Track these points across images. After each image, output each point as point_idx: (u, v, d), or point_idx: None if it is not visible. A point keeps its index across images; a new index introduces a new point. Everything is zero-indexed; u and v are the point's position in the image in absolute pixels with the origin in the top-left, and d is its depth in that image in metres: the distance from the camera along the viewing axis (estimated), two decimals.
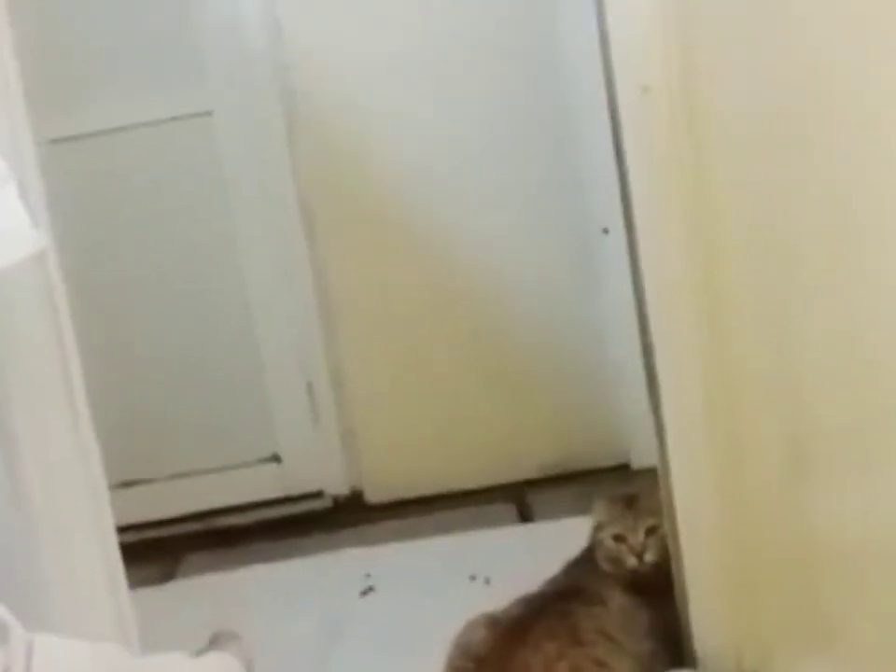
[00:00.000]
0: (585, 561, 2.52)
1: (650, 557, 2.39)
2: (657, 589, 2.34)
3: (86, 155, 3.39)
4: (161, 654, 1.42)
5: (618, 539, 2.43)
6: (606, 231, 3.32)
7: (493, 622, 2.43)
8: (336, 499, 3.59)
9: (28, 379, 1.79)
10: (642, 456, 3.17)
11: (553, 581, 2.52)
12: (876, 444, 1.80)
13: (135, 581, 3.12)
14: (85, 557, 1.84)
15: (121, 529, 3.34)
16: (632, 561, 2.41)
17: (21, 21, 3.33)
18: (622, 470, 3.41)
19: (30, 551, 1.70)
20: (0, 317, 1.72)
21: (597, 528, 2.49)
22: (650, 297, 2.15)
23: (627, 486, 2.68)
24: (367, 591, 3.03)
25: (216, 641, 1.66)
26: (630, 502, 2.47)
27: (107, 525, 1.91)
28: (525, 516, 3.36)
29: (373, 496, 3.57)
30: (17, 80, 1.89)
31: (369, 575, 3.07)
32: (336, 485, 3.59)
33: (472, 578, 2.97)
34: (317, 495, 3.58)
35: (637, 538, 2.41)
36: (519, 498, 3.43)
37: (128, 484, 3.52)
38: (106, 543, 1.90)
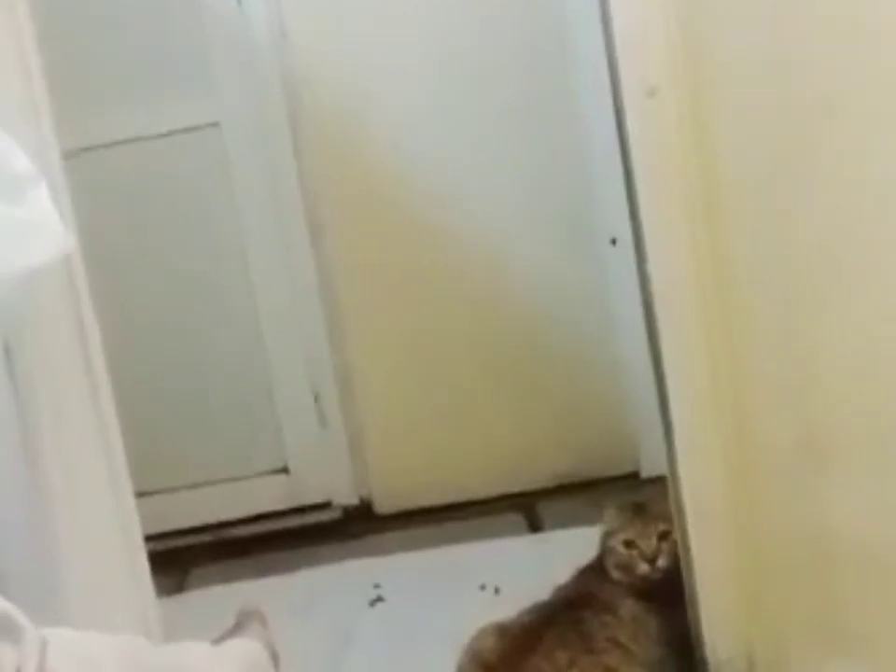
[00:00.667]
0: (595, 569, 2.51)
1: (662, 563, 2.39)
2: (667, 596, 2.33)
3: (95, 166, 3.39)
4: (182, 643, 1.42)
5: (629, 545, 2.43)
6: (614, 241, 3.32)
7: (503, 630, 2.43)
8: (345, 510, 3.58)
9: (54, 383, 1.79)
10: (651, 465, 3.17)
11: (563, 590, 2.52)
12: (893, 438, 1.80)
13: None
14: (109, 557, 1.84)
15: None
16: (644, 567, 2.40)
17: None
18: (631, 479, 3.41)
19: (52, 551, 1.70)
20: (27, 319, 1.73)
21: (607, 535, 2.48)
22: (658, 305, 2.15)
23: (637, 495, 2.68)
24: (376, 601, 3.03)
25: (241, 621, 1.65)
26: (640, 509, 2.47)
27: (133, 525, 1.91)
28: (535, 526, 3.36)
29: (382, 506, 3.57)
30: (44, 88, 1.90)
31: (378, 585, 3.07)
32: (345, 496, 3.59)
33: (482, 587, 2.96)
34: (326, 505, 3.58)
35: (650, 543, 2.40)
36: (528, 508, 3.43)
37: (137, 496, 3.51)
38: (131, 543, 1.90)
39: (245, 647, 1.55)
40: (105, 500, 1.84)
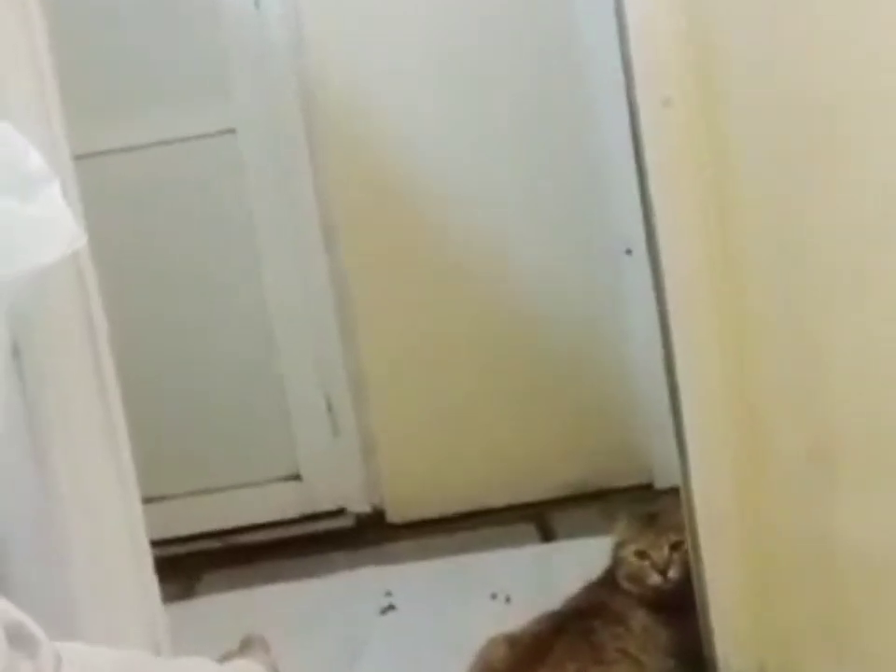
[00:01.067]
0: (606, 580, 2.51)
1: (673, 574, 2.38)
2: (678, 607, 2.32)
3: (110, 172, 3.40)
4: (187, 659, 1.42)
5: (641, 555, 2.42)
6: (629, 251, 3.31)
7: (513, 640, 2.43)
8: (358, 518, 3.58)
9: (63, 384, 1.79)
10: (665, 476, 3.15)
11: (574, 600, 2.51)
12: None
13: None
14: (117, 560, 1.83)
15: None
16: (655, 578, 2.39)
17: None
18: (644, 490, 3.40)
19: (60, 552, 1.69)
20: (37, 320, 1.73)
21: (619, 546, 2.47)
22: (672, 314, 2.14)
23: (650, 506, 2.67)
24: (387, 609, 3.02)
25: (244, 647, 1.65)
26: (652, 519, 2.46)
27: (140, 529, 1.90)
28: (547, 535, 3.35)
29: (395, 514, 3.56)
30: (55, 86, 1.90)
31: (389, 593, 3.07)
32: (357, 504, 3.59)
33: (493, 596, 2.96)
34: (339, 513, 3.58)
35: (662, 553, 2.39)
36: (540, 518, 3.42)
37: (147, 501, 3.50)
38: (138, 547, 1.89)
39: (250, 669, 1.56)
40: (113, 502, 1.83)
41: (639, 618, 2.39)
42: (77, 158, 3.41)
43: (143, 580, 1.90)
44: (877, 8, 1.75)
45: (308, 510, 3.57)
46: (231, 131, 3.46)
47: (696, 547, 2.20)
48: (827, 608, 2.06)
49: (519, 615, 2.54)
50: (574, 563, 2.72)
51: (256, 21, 3.42)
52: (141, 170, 3.47)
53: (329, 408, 3.57)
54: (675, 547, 2.38)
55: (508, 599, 2.94)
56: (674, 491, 2.33)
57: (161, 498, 3.53)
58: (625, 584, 2.44)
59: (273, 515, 3.56)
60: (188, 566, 3.40)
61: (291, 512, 3.56)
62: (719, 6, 1.99)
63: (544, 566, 3.06)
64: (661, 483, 3.34)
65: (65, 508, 1.72)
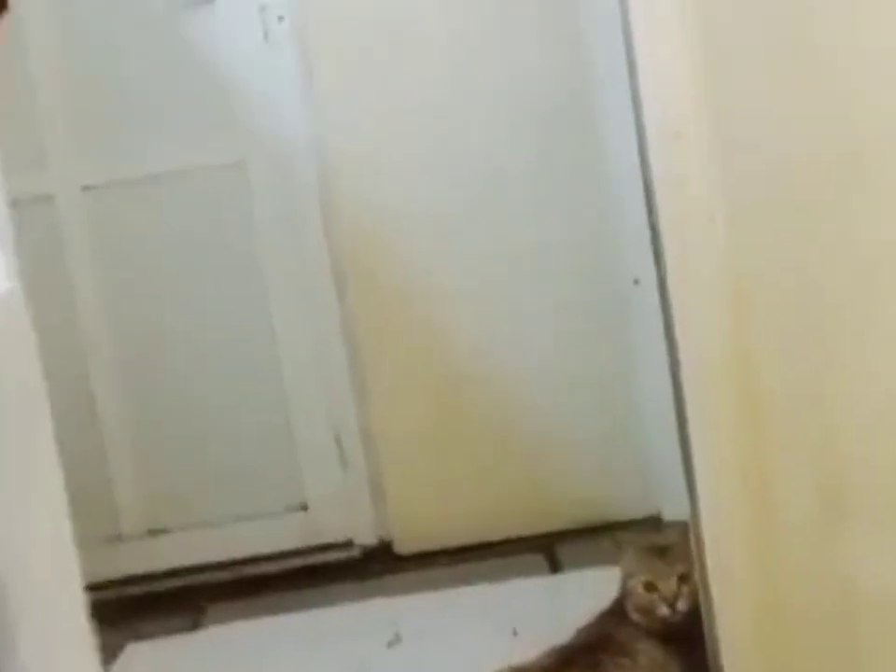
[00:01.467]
0: (615, 612, 2.49)
1: (682, 606, 2.36)
2: (687, 639, 2.31)
3: (117, 202, 3.42)
4: None
5: (649, 587, 2.40)
6: (637, 281, 3.31)
7: None
8: (364, 549, 3.57)
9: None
10: (673, 508, 3.14)
11: (582, 632, 2.50)
12: None
13: (162, 630, 3.14)
14: (51, 609, 1.77)
15: (148, 577, 3.38)
16: (664, 610, 2.38)
17: (55, 69, 3.38)
18: (653, 522, 3.38)
19: None
20: None
21: (627, 577, 2.46)
22: (681, 348, 2.13)
23: (658, 537, 2.66)
24: (394, 641, 3.01)
25: None
26: (661, 551, 2.45)
27: (75, 577, 1.84)
28: (555, 567, 3.34)
29: (401, 546, 3.55)
30: None
31: (396, 625, 3.06)
32: (364, 536, 3.57)
33: (501, 628, 2.94)
34: (345, 544, 3.57)
35: (670, 585, 2.38)
36: (548, 550, 3.40)
37: (155, 532, 3.51)
38: (73, 595, 1.83)
39: None
40: (45, 543, 1.77)
41: (646, 650, 2.38)
42: (85, 189, 3.45)
43: (79, 636, 1.83)
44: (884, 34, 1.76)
45: (314, 541, 3.56)
46: (240, 163, 3.47)
47: (706, 585, 2.18)
48: (838, 649, 2.04)
49: (526, 647, 2.52)
50: (583, 594, 2.71)
51: (265, 54, 3.42)
52: (147, 201, 3.47)
53: (338, 440, 3.56)
54: (683, 579, 2.37)
55: (515, 632, 2.92)
56: (681, 524, 2.32)
57: (170, 530, 3.53)
58: (634, 616, 2.43)
59: (279, 546, 3.55)
60: (194, 597, 3.39)
61: (298, 543, 3.55)
62: (729, 38, 1.99)
63: (552, 598, 3.05)
64: (669, 515, 3.33)
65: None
